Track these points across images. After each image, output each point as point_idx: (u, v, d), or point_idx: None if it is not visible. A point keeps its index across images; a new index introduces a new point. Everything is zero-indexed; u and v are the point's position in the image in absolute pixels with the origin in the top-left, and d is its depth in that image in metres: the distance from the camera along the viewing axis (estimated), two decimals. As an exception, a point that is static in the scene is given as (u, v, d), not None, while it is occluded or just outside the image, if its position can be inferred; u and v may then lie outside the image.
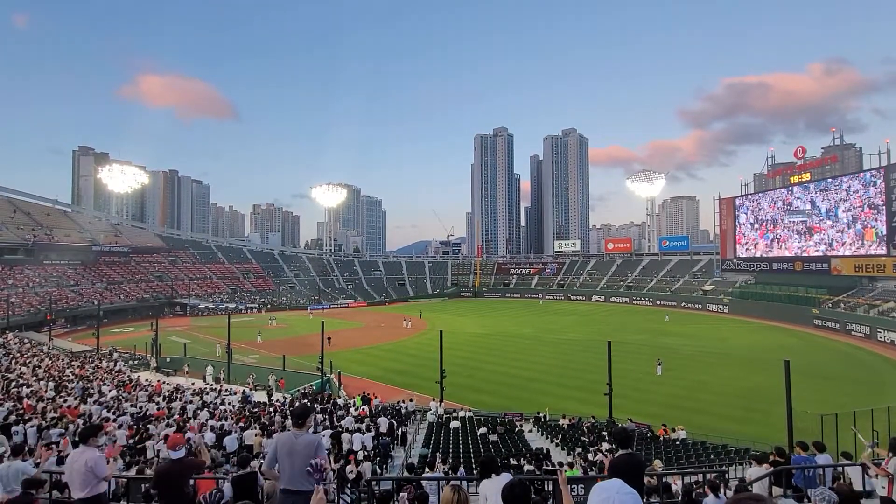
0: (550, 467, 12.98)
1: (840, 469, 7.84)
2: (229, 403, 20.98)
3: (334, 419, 18.53)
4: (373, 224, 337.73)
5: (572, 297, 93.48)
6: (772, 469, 7.26)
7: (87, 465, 4.80)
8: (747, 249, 72.81)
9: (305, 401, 22.06)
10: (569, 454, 17.00)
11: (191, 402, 20.36)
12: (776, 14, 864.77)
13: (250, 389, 26.36)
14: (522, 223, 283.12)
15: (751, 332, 51.86)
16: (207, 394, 23.31)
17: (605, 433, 18.85)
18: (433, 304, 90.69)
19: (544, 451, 15.78)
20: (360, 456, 12.43)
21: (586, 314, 70.16)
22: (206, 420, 16.07)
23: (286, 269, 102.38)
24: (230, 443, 12.50)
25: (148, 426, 14.94)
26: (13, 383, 20.84)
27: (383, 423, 17.76)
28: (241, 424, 14.95)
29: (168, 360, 36.10)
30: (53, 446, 10.29)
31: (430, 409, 22.52)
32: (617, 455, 4.14)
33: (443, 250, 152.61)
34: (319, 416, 18.36)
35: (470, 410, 23.42)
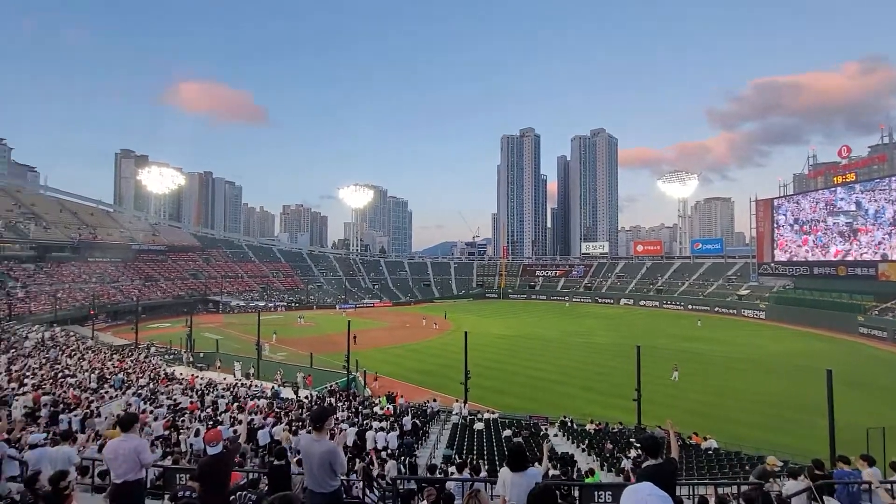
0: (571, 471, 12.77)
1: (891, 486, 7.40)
2: (259, 398, 21.54)
3: (360, 417, 18.78)
4: (399, 225, 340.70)
5: (600, 300, 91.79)
6: (811, 483, 6.93)
7: (135, 450, 5.03)
8: (786, 253, 69.80)
9: (328, 401, 22.42)
10: (595, 459, 16.69)
11: (222, 396, 21.01)
12: (804, 13, 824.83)
13: (279, 385, 27.00)
14: (549, 225, 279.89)
15: (789, 338, 49.69)
16: (238, 388, 24.01)
17: (633, 440, 18.42)
18: (458, 304, 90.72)
19: (570, 455, 15.53)
20: (385, 455, 12.55)
21: (614, 317, 68.75)
22: (237, 415, 16.52)
23: (314, 268, 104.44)
24: (262, 437, 12.83)
25: (182, 418, 15.50)
26: (60, 374, 22.02)
27: (407, 421, 17.88)
28: (271, 420, 15.32)
29: (201, 355, 37.34)
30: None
31: (454, 410, 22.51)
32: (645, 465, 4.02)
33: (468, 251, 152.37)
34: (345, 414, 18.65)
35: (494, 412, 23.29)
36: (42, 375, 21.03)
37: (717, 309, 73.23)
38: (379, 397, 25.12)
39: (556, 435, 20.84)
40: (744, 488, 8.80)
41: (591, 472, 11.87)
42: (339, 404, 20.92)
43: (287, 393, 24.94)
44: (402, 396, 24.83)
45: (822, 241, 63.96)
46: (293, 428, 14.11)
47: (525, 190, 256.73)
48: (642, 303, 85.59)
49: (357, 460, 10.73)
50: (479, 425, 19.73)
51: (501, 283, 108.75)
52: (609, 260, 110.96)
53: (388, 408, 21.44)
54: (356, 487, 7.98)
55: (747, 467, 14.78)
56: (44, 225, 67.86)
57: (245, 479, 7.18)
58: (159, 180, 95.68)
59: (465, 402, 23.69)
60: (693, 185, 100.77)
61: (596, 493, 5.87)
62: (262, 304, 72.93)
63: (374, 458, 11.29)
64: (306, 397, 23.32)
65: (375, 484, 8.62)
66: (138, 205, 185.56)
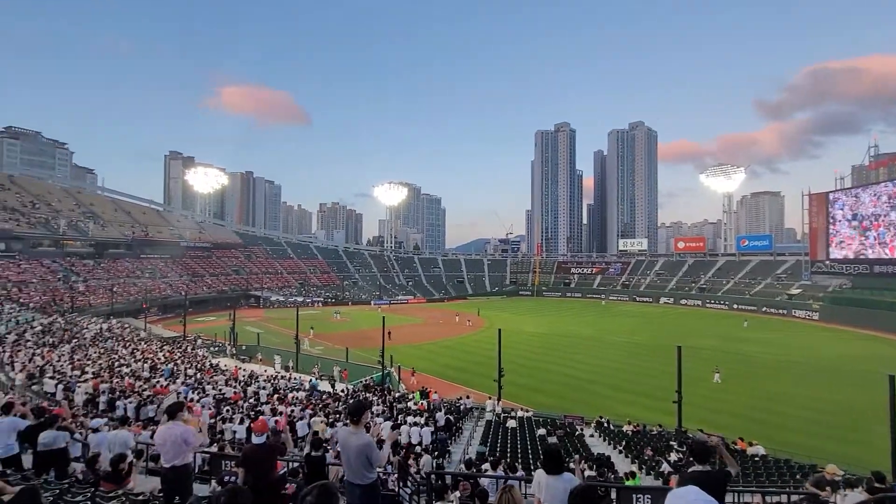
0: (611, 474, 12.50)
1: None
2: (297, 391, 22.24)
3: (394, 412, 19.06)
4: (432, 222, 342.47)
5: (638, 299, 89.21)
6: (872, 497, 6.49)
7: (180, 436, 5.33)
8: (843, 250, 65.49)
9: (364, 395, 22.86)
10: (632, 462, 16.28)
11: (263, 388, 21.83)
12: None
13: (316, 379, 27.74)
14: (585, 221, 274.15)
15: (844, 341, 46.67)
16: (278, 381, 24.84)
17: (672, 442, 17.85)
18: (491, 301, 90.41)
19: (606, 457, 15.22)
20: (419, 449, 12.70)
21: (653, 316, 66.64)
22: (277, 406, 17.13)
23: (349, 265, 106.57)
24: (301, 428, 13.25)
25: (226, 408, 16.21)
26: (116, 363, 23.49)
27: (441, 417, 18.00)
28: (309, 411, 15.79)
29: (244, 347, 38.91)
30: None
31: (488, 408, 22.47)
32: (692, 470, 3.88)
33: (501, 248, 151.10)
34: (380, 408, 18.98)
35: (529, 411, 23.11)
36: (100, 364, 22.51)
37: (764, 309, 69.65)
38: (413, 392, 25.41)
39: (591, 435, 20.46)
40: (794, 498, 8.35)
41: (632, 474, 11.60)
42: (374, 398, 21.31)
43: (324, 386, 25.63)
44: (435, 392, 25.00)
45: (884, 238, 59.61)
46: (330, 420, 14.51)
47: (560, 186, 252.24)
48: (683, 302, 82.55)
49: (391, 454, 10.89)
50: (512, 423, 19.63)
51: (535, 281, 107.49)
52: (648, 257, 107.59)
53: (422, 403, 21.66)
54: (391, 481, 8.12)
55: (798, 476, 14.05)
56: (101, 223, 72.41)
57: (286, 469, 7.44)
58: (204, 180, 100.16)
59: (499, 400, 23.59)
60: (739, 178, 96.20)
61: (634, 495, 5.73)
62: (300, 299, 75.13)
63: (408, 452, 11.43)
64: (342, 391, 23.89)
65: (410, 478, 8.74)
66: (186, 204, 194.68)
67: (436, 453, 13.59)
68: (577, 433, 19.93)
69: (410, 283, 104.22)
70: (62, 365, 21.43)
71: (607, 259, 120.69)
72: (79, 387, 16.88)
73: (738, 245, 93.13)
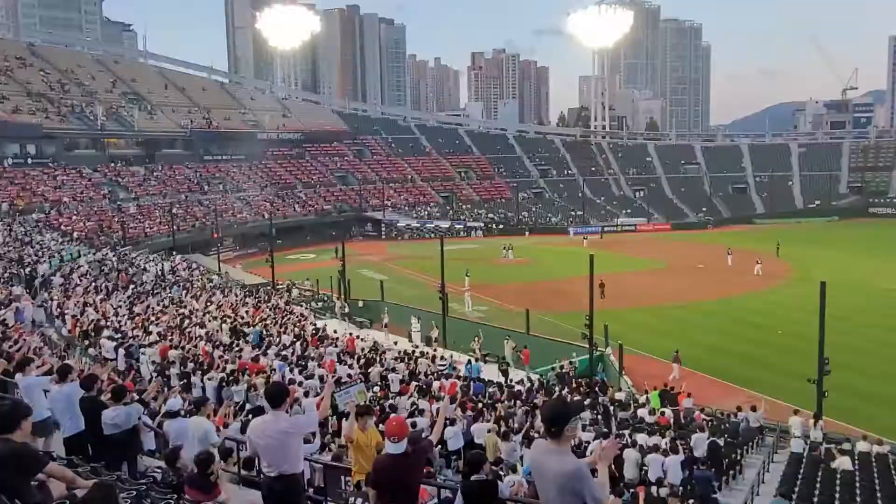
0: None
1: None
2: (447, 378, 24.17)
3: (612, 424, 19.58)
4: (682, 74, 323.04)
5: None
6: None
7: (287, 432, 6.32)
8: None
9: (559, 392, 23.76)
10: None
11: (394, 369, 24.19)
12: None
13: (476, 360, 29.63)
14: None
15: None
16: (417, 359, 27.19)
17: None
18: (806, 227, 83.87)
19: None
20: (665, 492, 12.95)
21: None
22: (418, 400, 19.00)
23: (527, 162, 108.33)
24: (454, 439, 14.53)
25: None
26: (186, 321, 28.56)
27: (701, 442, 17.94)
28: (469, 413, 17.14)
29: (360, 304, 43.13)
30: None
31: (794, 429, 21.65)
32: None
33: (830, 120, 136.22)
34: (587, 415, 19.67)
35: (882, 443, 21.52)
36: (167, 322, 27.63)
37: None
38: (647, 393, 25.63)
39: None
40: None
41: None
42: (576, 398, 22.08)
43: (490, 372, 27.33)
44: (689, 395, 24.86)
45: None
46: (503, 429, 15.59)
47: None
48: None
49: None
50: (844, 462, 18.66)
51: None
52: None
53: (663, 413, 21.79)
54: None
55: None
56: (148, 109, 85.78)
57: (436, 499, 8.33)
58: (285, 27, 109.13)
59: (819, 419, 22.49)
60: None
61: None
62: (444, 225, 79.40)
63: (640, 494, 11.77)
64: (520, 381, 25.23)
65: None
66: (260, 71, 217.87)
67: (691, 501, 13.74)
68: None
69: (641, 195, 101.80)
70: (120, 320, 26.88)
71: None
72: (143, 353, 21.09)
73: None
